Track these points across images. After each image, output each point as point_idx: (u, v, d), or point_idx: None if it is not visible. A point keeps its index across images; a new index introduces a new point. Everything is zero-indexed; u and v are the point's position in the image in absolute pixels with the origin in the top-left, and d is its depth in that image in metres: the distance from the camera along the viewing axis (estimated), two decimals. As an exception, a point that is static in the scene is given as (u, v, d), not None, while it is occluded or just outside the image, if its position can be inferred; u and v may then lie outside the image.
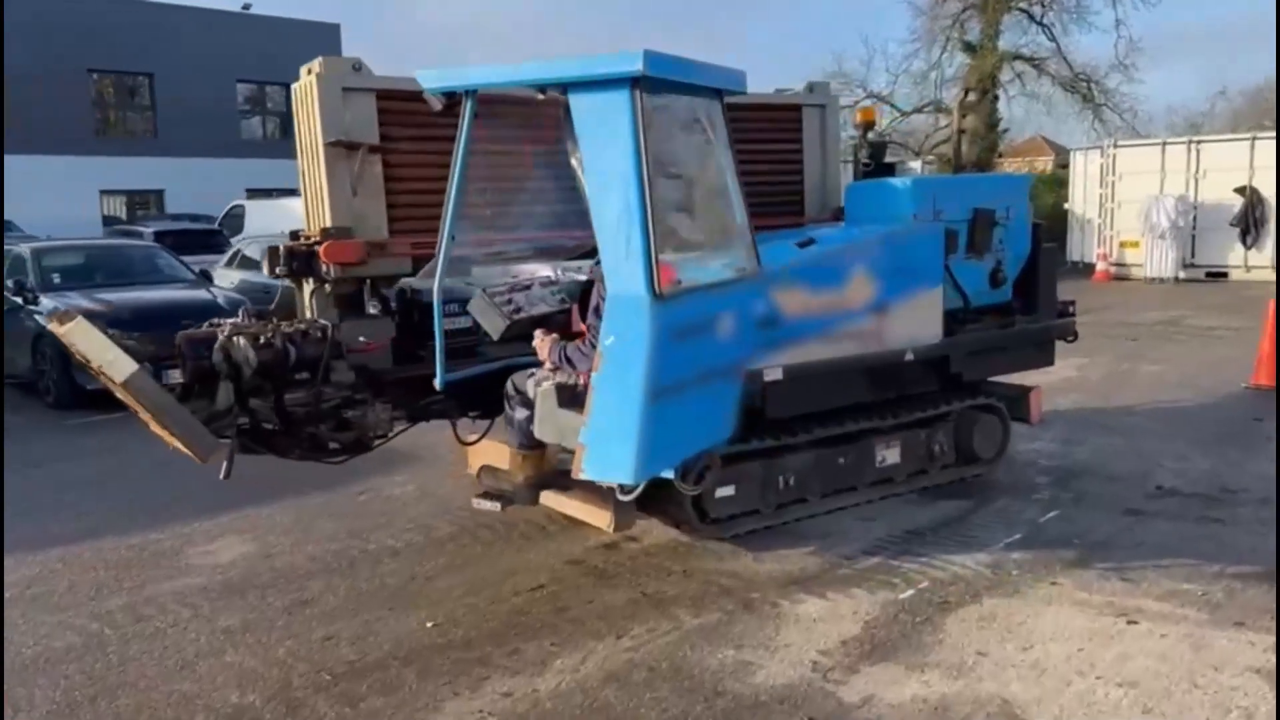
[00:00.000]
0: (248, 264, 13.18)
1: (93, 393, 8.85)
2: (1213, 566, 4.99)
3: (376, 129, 5.38)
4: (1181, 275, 19.69)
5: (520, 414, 4.90)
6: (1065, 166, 24.98)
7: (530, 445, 4.89)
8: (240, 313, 5.41)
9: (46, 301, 10.22)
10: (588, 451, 4.06)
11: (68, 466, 7.68)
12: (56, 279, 10.95)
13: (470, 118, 4.51)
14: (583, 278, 5.61)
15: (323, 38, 31.54)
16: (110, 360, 4.45)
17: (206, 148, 29.87)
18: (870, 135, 9.01)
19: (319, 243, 5.26)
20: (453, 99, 4.54)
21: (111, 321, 9.62)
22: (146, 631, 4.59)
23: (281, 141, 30.20)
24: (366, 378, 5.36)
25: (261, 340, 4.95)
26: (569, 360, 4.52)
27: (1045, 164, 37.23)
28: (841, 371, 5.66)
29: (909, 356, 5.87)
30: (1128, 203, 20.51)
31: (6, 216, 21.64)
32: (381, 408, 5.39)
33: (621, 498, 4.55)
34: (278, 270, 5.46)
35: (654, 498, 5.25)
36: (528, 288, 5.54)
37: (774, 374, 5.35)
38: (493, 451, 5.62)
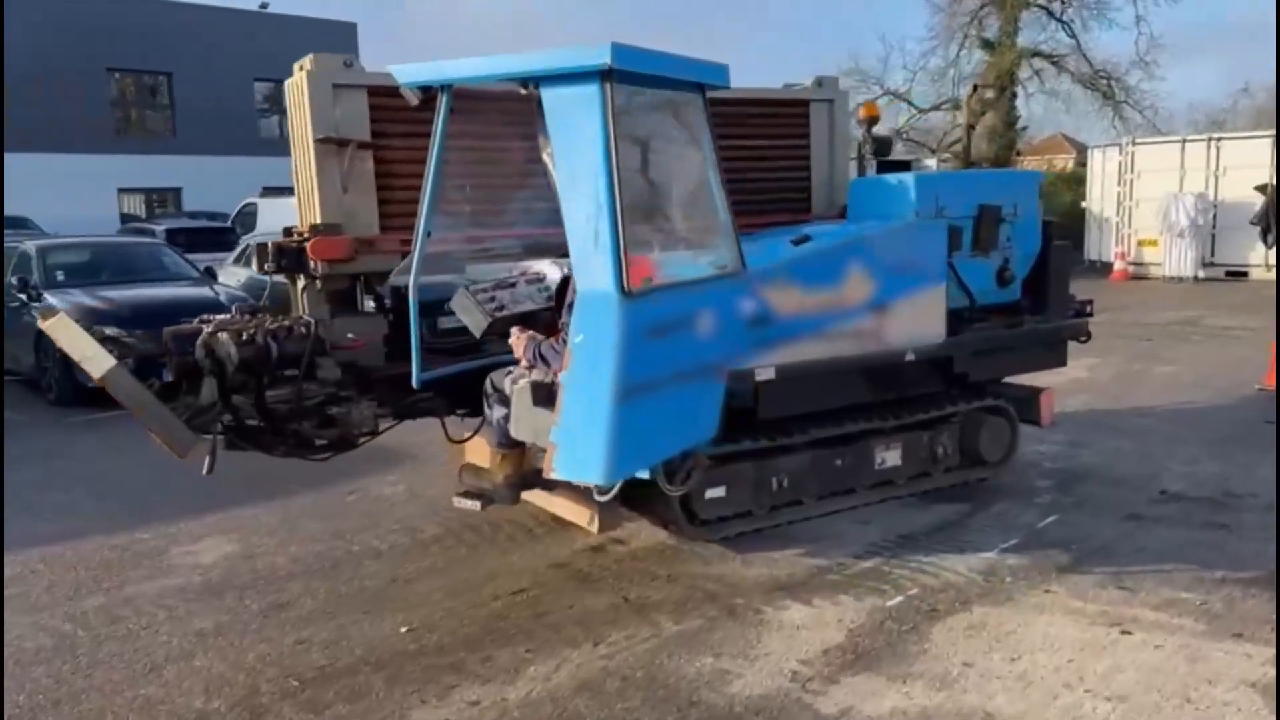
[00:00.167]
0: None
1: (94, 390, 8.76)
2: (1214, 574, 4.84)
3: (368, 125, 5.34)
4: (1201, 274, 19.38)
5: (498, 412, 4.81)
6: (1084, 164, 24.67)
7: (509, 444, 4.80)
8: (234, 308, 5.37)
9: (50, 299, 10.23)
10: (558, 451, 3.96)
11: (63, 464, 7.66)
12: (60, 276, 10.97)
13: (446, 112, 4.43)
14: None
15: (339, 36, 31.69)
16: (89, 356, 4.51)
17: (224, 146, 30.04)
18: (875, 130, 8.87)
19: (308, 239, 5.21)
20: (429, 93, 4.46)
21: (112, 319, 9.70)
22: (119, 633, 4.53)
23: (298, 140, 30.21)
24: (355, 375, 5.30)
25: (244, 336, 4.90)
26: (543, 358, 4.43)
27: (1066, 162, 36.81)
28: (838, 371, 5.54)
29: (910, 356, 5.73)
30: (1146, 201, 20.19)
31: (26, 214, 21.82)
32: (367, 405, 5.33)
33: (599, 498, 4.45)
34: (266, 267, 5.44)
35: (643, 498, 5.16)
36: (513, 285, 5.45)
37: (766, 373, 5.23)
38: (485, 450, 5.54)
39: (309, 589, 4.98)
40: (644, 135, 4.23)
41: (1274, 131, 19.86)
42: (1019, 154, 30.67)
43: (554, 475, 4.02)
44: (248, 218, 19.63)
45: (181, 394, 4.95)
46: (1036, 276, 6.38)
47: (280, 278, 5.77)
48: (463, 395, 5.57)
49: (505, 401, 4.68)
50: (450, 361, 5.40)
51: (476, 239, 5.62)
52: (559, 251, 5.64)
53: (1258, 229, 18.89)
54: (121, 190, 29.99)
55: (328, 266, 5.24)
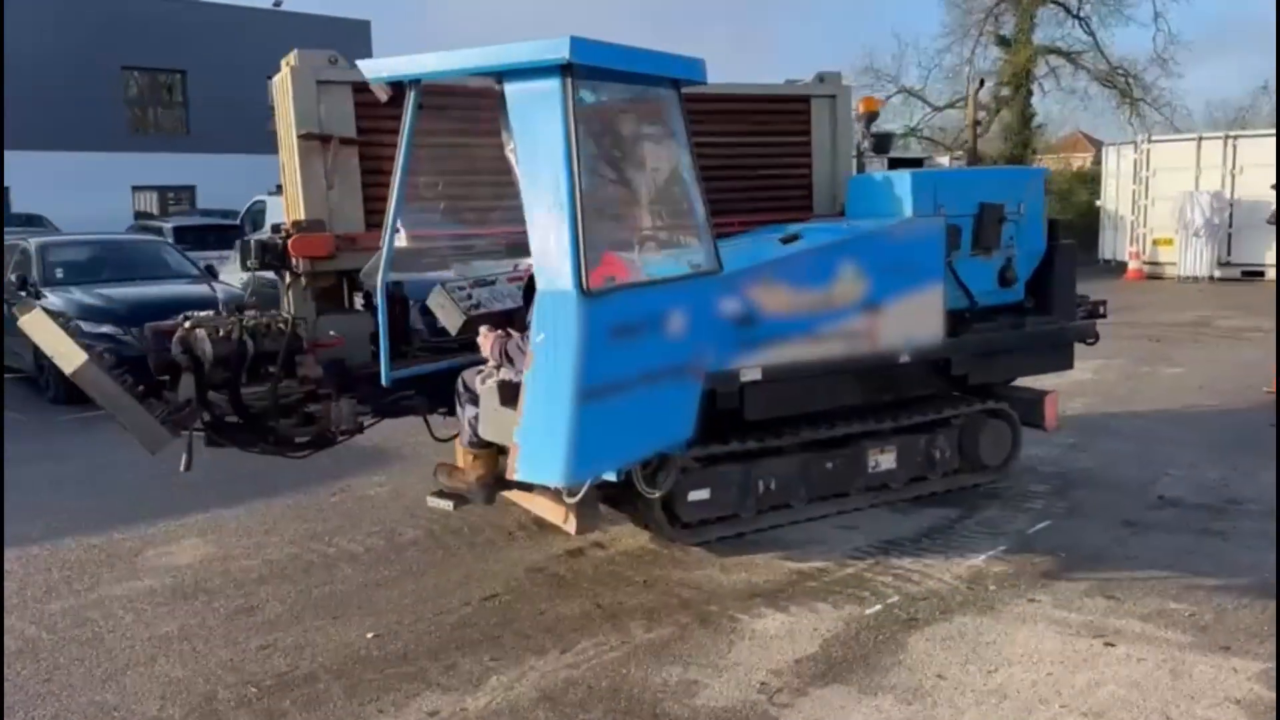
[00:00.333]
0: (259, 259, 13.12)
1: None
2: (1206, 584, 4.70)
3: (353, 122, 5.28)
4: (1216, 274, 19.09)
5: (470, 411, 4.73)
6: (1099, 163, 24.37)
7: (481, 444, 4.71)
8: (221, 306, 5.34)
9: (50, 296, 10.21)
10: (520, 451, 3.88)
11: (50, 465, 7.60)
12: (60, 274, 10.95)
13: (415, 108, 4.35)
14: None
15: (353, 34, 31.66)
16: (62, 352, 4.57)
17: (238, 144, 30.00)
18: (875, 126, 8.72)
19: (290, 235, 5.16)
20: (400, 89, 4.38)
21: (110, 316, 9.68)
22: (84, 637, 4.46)
23: (311, 137, 30.24)
24: (336, 372, 5.23)
25: (220, 333, 4.86)
26: (509, 357, 4.33)
27: (1084, 160, 36.43)
28: (829, 373, 5.43)
29: (904, 358, 5.61)
30: (1161, 199, 19.92)
31: (41, 212, 21.93)
32: (347, 403, 5.26)
33: (568, 500, 4.36)
34: (250, 263, 5.39)
35: (625, 500, 5.06)
36: (491, 283, 5.37)
37: (752, 374, 5.14)
38: (462, 449, 5.46)
39: (278, 593, 4.90)
40: (612, 132, 4.14)
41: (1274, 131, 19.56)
42: (1035, 152, 30.37)
43: (515, 476, 3.94)
44: (257, 215, 19.61)
45: (167, 390, 4.94)
46: (1041, 277, 6.24)
47: (267, 274, 5.74)
48: (446, 394, 5.50)
49: (476, 401, 4.59)
50: (446, 360, 5.33)
51: (465, 236, 5.56)
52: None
53: (1274, 228, 18.61)
54: (136, 188, 30.06)
55: (309, 264, 5.20)
